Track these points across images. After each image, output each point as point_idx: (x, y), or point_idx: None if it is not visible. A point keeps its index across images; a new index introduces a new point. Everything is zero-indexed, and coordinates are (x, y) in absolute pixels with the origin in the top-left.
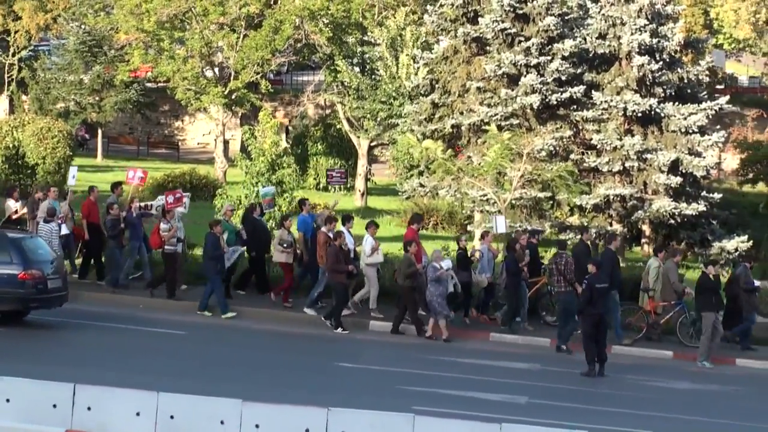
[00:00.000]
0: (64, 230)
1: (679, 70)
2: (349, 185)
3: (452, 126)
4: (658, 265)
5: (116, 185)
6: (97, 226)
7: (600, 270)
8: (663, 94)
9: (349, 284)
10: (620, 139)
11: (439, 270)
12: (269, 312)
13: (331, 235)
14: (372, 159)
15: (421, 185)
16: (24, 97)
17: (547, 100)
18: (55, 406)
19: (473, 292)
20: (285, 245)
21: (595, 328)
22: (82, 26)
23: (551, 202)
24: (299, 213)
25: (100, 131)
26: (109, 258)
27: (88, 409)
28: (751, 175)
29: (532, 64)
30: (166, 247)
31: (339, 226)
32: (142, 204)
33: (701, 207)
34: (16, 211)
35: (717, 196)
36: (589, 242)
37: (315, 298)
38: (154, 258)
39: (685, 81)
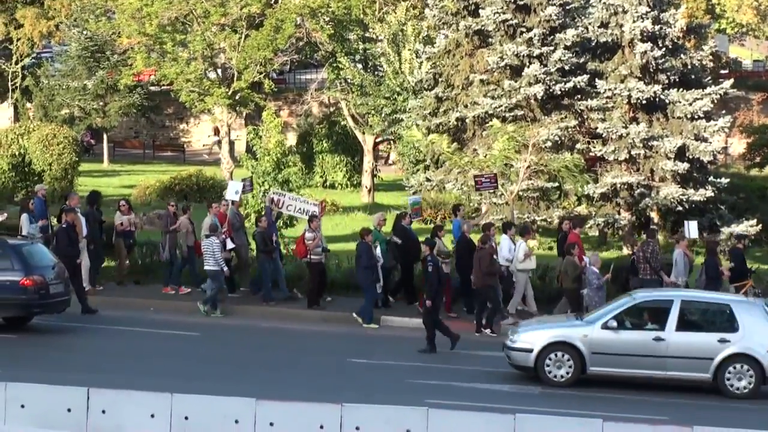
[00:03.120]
0: (230, 244)
1: (682, 56)
2: (356, 182)
3: (457, 119)
4: None
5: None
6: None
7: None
8: (667, 81)
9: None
10: (625, 127)
11: (603, 277)
12: (278, 310)
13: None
14: (378, 155)
15: (428, 179)
16: (28, 105)
17: (551, 90)
18: (69, 410)
19: None
20: (442, 256)
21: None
22: (84, 32)
23: (558, 192)
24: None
25: (105, 136)
26: (259, 271)
27: (103, 412)
28: (758, 159)
29: (534, 55)
30: (311, 256)
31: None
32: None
33: (709, 192)
34: (121, 224)
35: (724, 181)
36: (742, 246)
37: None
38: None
39: (689, 67)
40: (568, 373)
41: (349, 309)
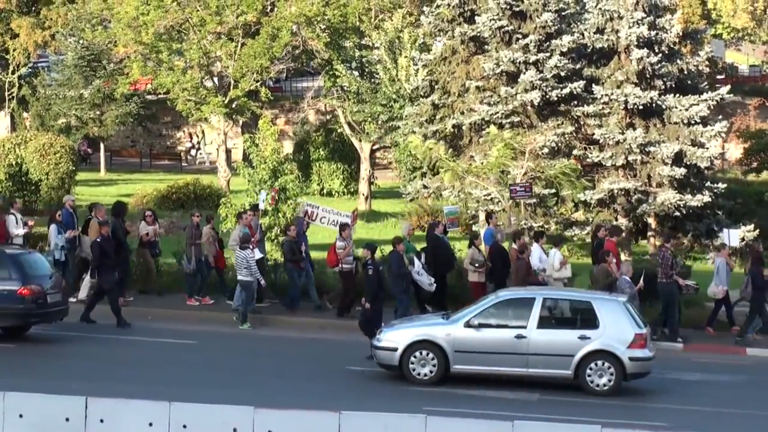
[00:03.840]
0: (258, 254)
1: (678, 61)
2: (353, 189)
3: (453, 126)
4: None
5: (255, 208)
6: None
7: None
8: (663, 86)
9: None
10: (622, 133)
11: (636, 285)
12: (277, 318)
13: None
14: (374, 162)
15: (425, 187)
16: (25, 114)
17: (547, 96)
18: (67, 419)
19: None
20: (477, 264)
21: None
22: (80, 41)
23: (555, 198)
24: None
25: (102, 145)
26: (288, 280)
27: (101, 421)
28: (755, 164)
29: (530, 61)
30: (343, 265)
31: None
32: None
33: (706, 198)
34: (147, 234)
35: (721, 186)
36: None
37: None
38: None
39: (685, 72)
40: (432, 372)
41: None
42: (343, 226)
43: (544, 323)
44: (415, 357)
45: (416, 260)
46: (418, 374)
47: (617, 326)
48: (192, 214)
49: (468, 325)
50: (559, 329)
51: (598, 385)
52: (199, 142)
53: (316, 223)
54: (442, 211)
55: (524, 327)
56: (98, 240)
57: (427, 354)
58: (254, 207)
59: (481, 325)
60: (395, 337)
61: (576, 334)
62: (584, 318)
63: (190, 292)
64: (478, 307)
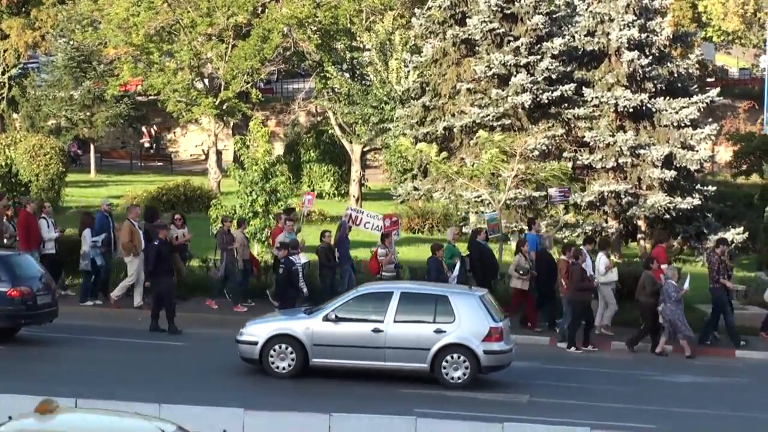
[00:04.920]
0: (303, 259)
1: (668, 64)
2: (344, 191)
3: (444, 128)
4: None
5: (289, 211)
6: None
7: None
8: (654, 89)
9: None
10: (612, 136)
11: (682, 290)
12: None
13: (571, 261)
14: (365, 164)
15: (415, 189)
16: (15, 115)
17: (538, 99)
18: None
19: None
20: (522, 272)
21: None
22: (71, 42)
23: (546, 200)
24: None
25: (92, 146)
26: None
27: None
28: (744, 167)
29: (521, 64)
30: (383, 273)
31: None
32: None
33: (696, 200)
34: (177, 238)
35: (711, 188)
36: None
37: (565, 330)
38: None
39: (676, 75)
40: (290, 365)
41: None
42: (386, 234)
43: (401, 317)
44: (274, 351)
45: (458, 266)
46: (278, 367)
47: (473, 320)
48: (223, 220)
49: (326, 318)
50: (415, 323)
51: (453, 378)
52: (153, 140)
53: (360, 228)
54: (483, 217)
55: (381, 321)
56: (155, 243)
57: (286, 347)
58: (288, 211)
59: (339, 319)
60: (256, 330)
61: (432, 327)
62: (440, 312)
63: (235, 300)
64: (338, 301)
